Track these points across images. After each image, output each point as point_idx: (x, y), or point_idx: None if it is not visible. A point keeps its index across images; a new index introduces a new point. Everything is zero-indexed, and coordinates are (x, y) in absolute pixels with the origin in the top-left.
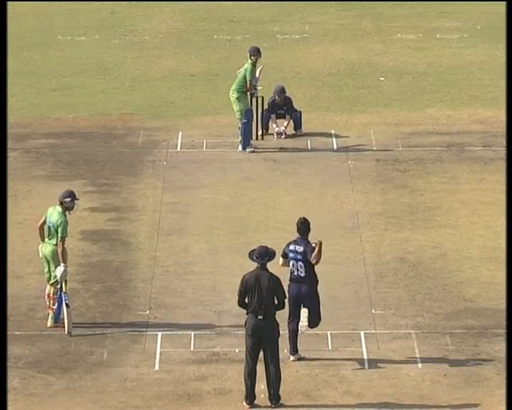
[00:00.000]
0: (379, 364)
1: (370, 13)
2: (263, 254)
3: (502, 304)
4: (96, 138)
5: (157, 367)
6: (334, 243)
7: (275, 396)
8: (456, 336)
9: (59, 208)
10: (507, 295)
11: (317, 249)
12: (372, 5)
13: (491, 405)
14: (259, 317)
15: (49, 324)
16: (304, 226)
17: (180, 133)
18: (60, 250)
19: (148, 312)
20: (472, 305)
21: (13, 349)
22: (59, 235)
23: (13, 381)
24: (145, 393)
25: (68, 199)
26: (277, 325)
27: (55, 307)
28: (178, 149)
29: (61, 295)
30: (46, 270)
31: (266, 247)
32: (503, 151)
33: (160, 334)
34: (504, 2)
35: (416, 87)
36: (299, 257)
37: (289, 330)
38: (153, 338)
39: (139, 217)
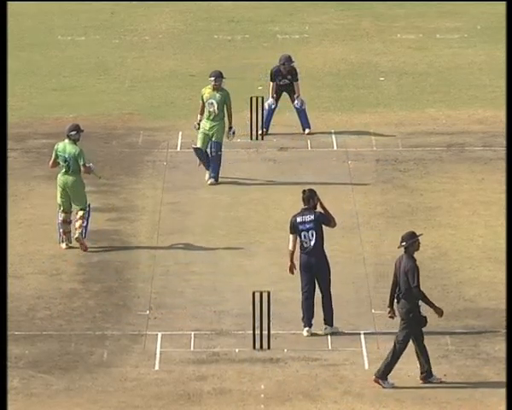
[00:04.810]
0: (379, 364)
1: (370, 13)
2: (402, 239)
3: (502, 304)
4: (96, 138)
5: (157, 367)
6: (334, 243)
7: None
8: (456, 336)
9: (69, 141)
10: (507, 295)
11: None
12: (372, 5)
13: (491, 405)
14: (395, 300)
15: (76, 236)
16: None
17: (180, 133)
18: (85, 169)
19: (148, 312)
20: (472, 305)
21: (13, 349)
22: (81, 163)
23: (13, 381)
24: (145, 393)
25: (74, 132)
26: (416, 313)
27: (84, 225)
28: (178, 149)
29: (89, 211)
30: (64, 200)
31: (412, 232)
32: (503, 151)
33: (159, 334)
34: (504, 2)
35: (415, 87)
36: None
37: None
38: (153, 338)
39: (139, 217)
